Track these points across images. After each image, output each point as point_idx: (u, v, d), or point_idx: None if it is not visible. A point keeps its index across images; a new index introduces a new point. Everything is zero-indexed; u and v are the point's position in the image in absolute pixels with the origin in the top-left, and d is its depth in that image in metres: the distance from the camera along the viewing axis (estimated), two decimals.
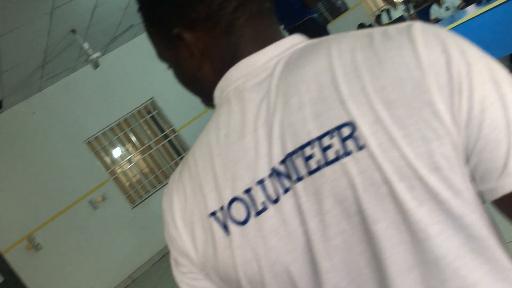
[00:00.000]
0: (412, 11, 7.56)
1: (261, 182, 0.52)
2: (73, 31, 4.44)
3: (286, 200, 0.51)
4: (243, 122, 0.55)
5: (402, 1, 7.24)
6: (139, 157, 6.49)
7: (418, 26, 0.49)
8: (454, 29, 3.47)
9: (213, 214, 0.55)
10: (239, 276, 0.55)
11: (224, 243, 0.55)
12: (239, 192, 0.53)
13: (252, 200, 0.53)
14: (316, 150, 0.49)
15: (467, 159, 0.46)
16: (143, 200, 6.14)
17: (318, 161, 0.49)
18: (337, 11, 9.38)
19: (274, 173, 0.52)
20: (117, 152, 6.37)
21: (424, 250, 0.46)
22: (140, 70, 6.24)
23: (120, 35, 5.62)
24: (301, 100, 0.50)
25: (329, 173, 0.49)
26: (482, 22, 3.44)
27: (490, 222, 0.48)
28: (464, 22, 3.50)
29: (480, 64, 0.46)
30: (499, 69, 0.47)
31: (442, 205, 0.45)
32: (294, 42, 0.57)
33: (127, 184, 6.34)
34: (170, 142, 6.63)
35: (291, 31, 2.85)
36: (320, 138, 0.48)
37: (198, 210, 0.57)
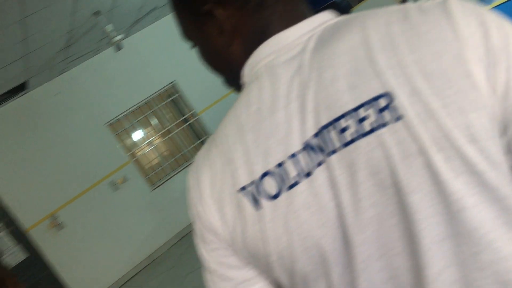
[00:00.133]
0: None
1: (293, 156, 0.52)
2: (97, 13, 4.46)
3: (319, 174, 0.51)
4: (275, 97, 0.54)
5: None
6: (159, 140, 6.54)
7: (454, 1, 0.48)
8: None
9: (243, 188, 0.55)
10: (268, 250, 0.55)
11: (254, 218, 0.54)
12: (271, 166, 0.53)
13: (285, 174, 0.52)
14: (351, 122, 0.48)
15: (504, 131, 0.46)
16: (162, 183, 6.20)
17: (352, 133, 0.49)
18: None
19: (307, 146, 0.51)
20: (137, 134, 6.44)
21: (458, 222, 0.46)
22: (162, 53, 6.26)
23: (143, 17, 5.62)
24: (336, 73, 0.50)
25: (364, 145, 0.48)
26: None
27: None
28: None
29: None
30: None
31: (478, 176, 0.45)
32: (325, 18, 0.57)
33: (147, 166, 6.41)
34: (190, 125, 6.67)
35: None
36: (355, 109, 0.48)
37: (227, 186, 0.56)
